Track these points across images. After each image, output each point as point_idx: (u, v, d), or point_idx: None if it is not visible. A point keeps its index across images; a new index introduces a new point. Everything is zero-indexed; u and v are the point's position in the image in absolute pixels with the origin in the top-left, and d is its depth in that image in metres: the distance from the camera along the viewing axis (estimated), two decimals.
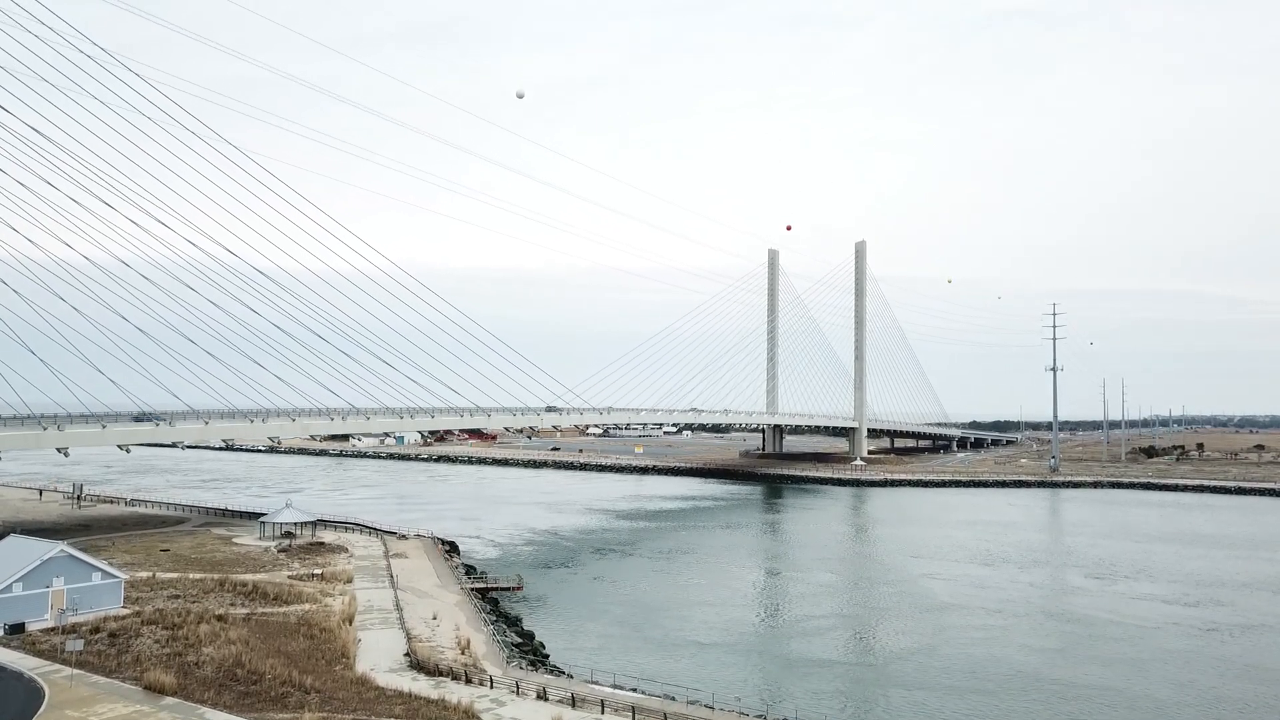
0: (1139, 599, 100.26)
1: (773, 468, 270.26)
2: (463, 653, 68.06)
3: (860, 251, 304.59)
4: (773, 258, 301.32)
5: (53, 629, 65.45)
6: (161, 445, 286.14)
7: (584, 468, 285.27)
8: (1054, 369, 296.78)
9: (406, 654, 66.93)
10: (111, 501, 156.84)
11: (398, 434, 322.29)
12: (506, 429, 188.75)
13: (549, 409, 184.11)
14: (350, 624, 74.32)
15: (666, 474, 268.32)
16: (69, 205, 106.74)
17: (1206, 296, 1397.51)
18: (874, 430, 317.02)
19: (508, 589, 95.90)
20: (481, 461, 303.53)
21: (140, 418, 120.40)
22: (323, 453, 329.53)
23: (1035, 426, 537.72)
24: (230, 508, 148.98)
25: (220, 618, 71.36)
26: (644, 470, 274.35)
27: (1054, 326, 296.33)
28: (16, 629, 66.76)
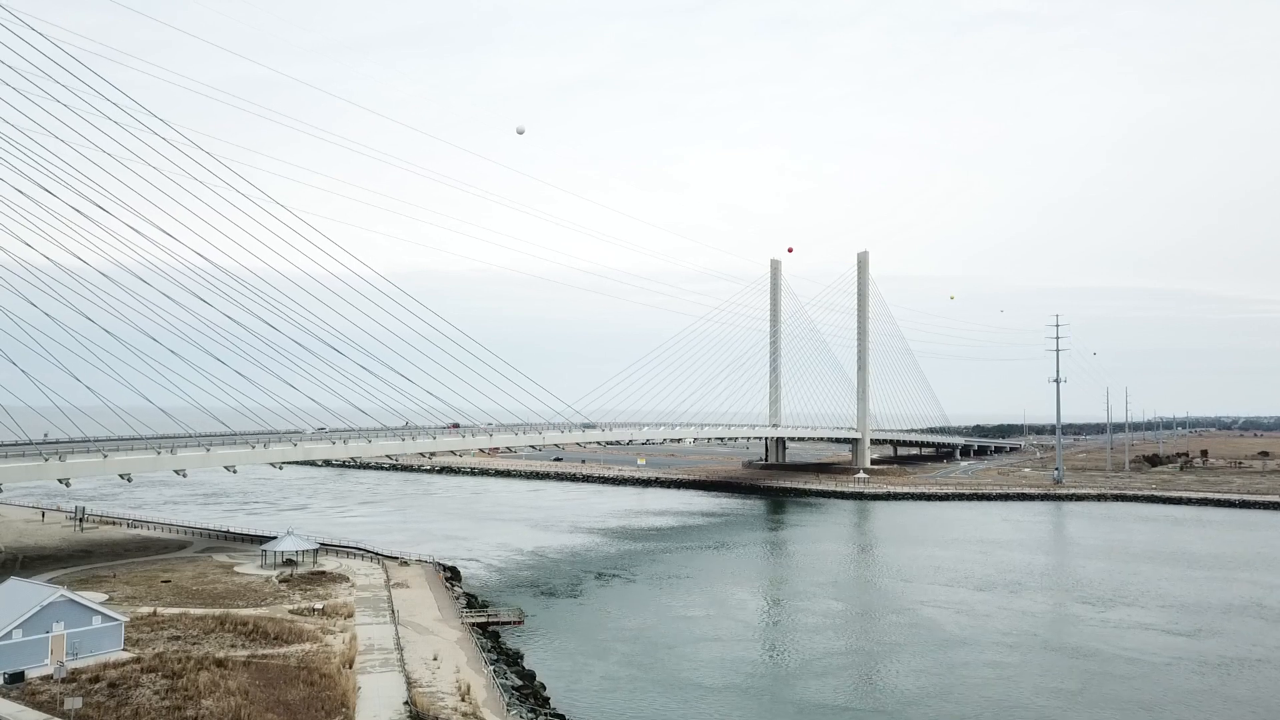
0: (1144, 629, 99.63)
1: (775, 480, 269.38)
2: (463, 699, 67.63)
3: (862, 263, 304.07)
4: (775, 268, 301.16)
5: (52, 677, 65.19)
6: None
7: (586, 479, 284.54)
8: (1057, 381, 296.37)
9: (406, 702, 66.40)
10: (113, 523, 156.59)
11: None
12: (509, 448, 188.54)
13: (551, 425, 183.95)
14: (350, 667, 73.93)
15: (668, 486, 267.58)
16: (76, 212, 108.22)
17: (1208, 295, 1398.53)
18: (877, 439, 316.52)
19: (509, 623, 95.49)
20: (484, 473, 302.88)
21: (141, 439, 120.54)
22: (326, 463, 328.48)
23: (1039, 430, 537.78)
24: (232, 530, 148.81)
25: (220, 663, 71.05)
26: (646, 483, 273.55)
27: (1057, 339, 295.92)
28: (16, 678, 66.27)
